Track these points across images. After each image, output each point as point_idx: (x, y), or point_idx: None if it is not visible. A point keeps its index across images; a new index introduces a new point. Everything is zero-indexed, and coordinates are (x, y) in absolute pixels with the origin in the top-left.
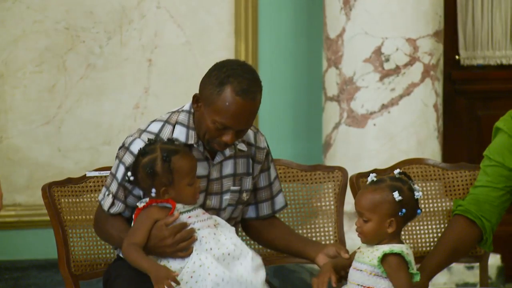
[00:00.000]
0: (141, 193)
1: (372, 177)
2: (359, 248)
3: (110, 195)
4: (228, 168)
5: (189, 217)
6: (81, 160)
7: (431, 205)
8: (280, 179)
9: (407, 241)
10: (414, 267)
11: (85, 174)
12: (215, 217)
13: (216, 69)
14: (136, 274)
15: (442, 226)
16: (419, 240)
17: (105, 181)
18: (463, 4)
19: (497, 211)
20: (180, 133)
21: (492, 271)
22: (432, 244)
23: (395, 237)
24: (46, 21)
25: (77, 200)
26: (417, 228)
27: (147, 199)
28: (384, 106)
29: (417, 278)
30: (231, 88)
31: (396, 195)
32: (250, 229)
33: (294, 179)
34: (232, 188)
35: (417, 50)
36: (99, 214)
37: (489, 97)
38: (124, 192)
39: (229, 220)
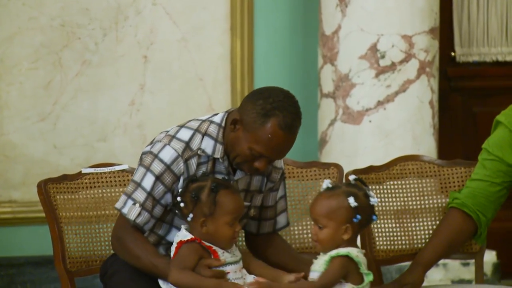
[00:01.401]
0: (168, 201)
1: (326, 183)
2: (315, 259)
3: (137, 205)
4: (243, 183)
5: (228, 272)
6: (76, 157)
7: (426, 201)
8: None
9: (403, 238)
10: (364, 268)
11: (81, 171)
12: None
13: (262, 98)
14: (133, 270)
15: (438, 222)
16: (414, 237)
17: (126, 188)
18: (458, 1)
19: (493, 206)
20: (207, 146)
21: (487, 268)
22: (427, 240)
23: (351, 243)
24: (42, 17)
25: (73, 196)
26: (413, 224)
27: (191, 235)
28: (379, 103)
29: (370, 277)
30: (277, 122)
31: (351, 201)
32: (249, 242)
33: (289, 176)
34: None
35: (413, 46)
36: (122, 230)
37: (485, 94)
38: (152, 202)
39: None
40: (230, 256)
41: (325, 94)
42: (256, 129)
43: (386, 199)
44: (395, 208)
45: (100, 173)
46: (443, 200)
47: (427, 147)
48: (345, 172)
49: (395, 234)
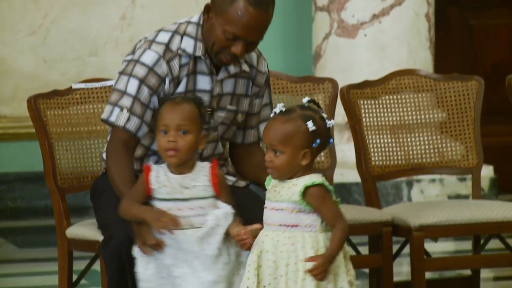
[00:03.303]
0: (156, 104)
1: (280, 107)
2: (270, 187)
3: (125, 110)
4: (228, 87)
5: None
6: (67, 72)
7: (422, 116)
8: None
9: (398, 153)
10: (334, 196)
11: (71, 86)
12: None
13: None
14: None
15: (434, 137)
16: (410, 152)
17: (109, 98)
18: None
19: None
20: (188, 45)
21: (484, 183)
22: (424, 155)
23: (308, 169)
24: None
25: (63, 112)
26: (409, 139)
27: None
28: (375, 16)
29: (339, 205)
30: None
31: (310, 125)
32: (234, 156)
33: (284, 90)
34: (229, 107)
35: None
36: (109, 146)
37: (481, 6)
38: (141, 107)
39: (222, 140)
40: (166, 193)
41: (320, 8)
42: (226, 10)
43: (382, 114)
44: (391, 123)
45: (91, 88)
46: (440, 115)
47: (423, 61)
48: (340, 87)
49: (390, 149)
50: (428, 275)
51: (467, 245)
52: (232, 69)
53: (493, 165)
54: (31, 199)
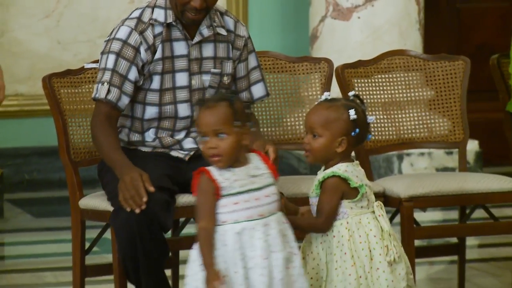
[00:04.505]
0: (135, 76)
1: (326, 95)
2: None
3: (105, 83)
4: (208, 51)
5: (237, 203)
6: (79, 52)
7: (412, 94)
8: (266, 70)
9: (390, 129)
10: (354, 182)
11: (83, 66)
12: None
13: None
14: None
15: (423, 113)
16: (400, 128)
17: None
18: None
19: None
20: (158, 15)
21: (470, 156)
22: (414, 130)
23: (344, 158)
24: None
25: (76, 90)
26: (399, 116)
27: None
28: (368, 0)
29: (363, 189)
30: None
31: (352, 113)
32: None
33: (282, 70)
34: (213, 70)
35: None
36: (93, 119)
37: None
38: (119, 79)
39: None
40: (239, 187)
41: None
42: None
43: (374, 92)
44: (383, 100)
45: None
46: (428, 93)
47: (413, 42)
48: (335, 66)
49: (382, 125)
50: (417, 242)
51: (454, 214)
52: (206, 32)
53: (479, 139)
54: (46, 172)
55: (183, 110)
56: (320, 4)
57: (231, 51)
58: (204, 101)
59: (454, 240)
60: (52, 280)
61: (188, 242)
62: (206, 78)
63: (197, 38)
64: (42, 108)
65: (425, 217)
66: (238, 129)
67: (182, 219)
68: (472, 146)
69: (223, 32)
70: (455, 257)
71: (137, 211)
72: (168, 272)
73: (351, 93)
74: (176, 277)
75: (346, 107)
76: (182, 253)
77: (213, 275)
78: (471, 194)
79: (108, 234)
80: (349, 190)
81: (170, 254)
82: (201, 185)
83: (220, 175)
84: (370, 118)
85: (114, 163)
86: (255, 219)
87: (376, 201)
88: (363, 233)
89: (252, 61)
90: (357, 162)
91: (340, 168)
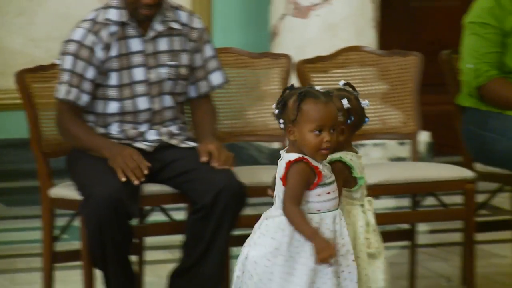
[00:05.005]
0: (93, 75)
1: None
2: None
3: (65, 84)
4: (164, 45)
5: (329, 192)
6: (51, 49)
7: (367, 88)
8: (228, 65)
9: None
10: (358, 172)
11: (54, 62)
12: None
13: None
14: (95, 159)
15: (377, 106)
16: None
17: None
18: None
19: None
20: (112, 14)
21: (422, 147)
22: (369, 122)
23: (348, 147)
24: None
25: (47, 85)
26: None
27: (298, 155)
28: None
29: (362, 181)
30: None
31: (345, 102)
32: (193, 113)
33: (244, 65)
34: (169, 62)
35: None
36: (61, 115)
37: None
38: (78, 78)
39: (173, 96)
40: (328, 177)
41: None
42: None
43: (331, 86)
44: None
45: None
46: (383, 87)
47: (369, 39)
48: (294, 62)
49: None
50: None
51: (405, 202)
52: (159, 27)
53: (430, 131)
54: (19, 163)
55: (143, 103)
56: (280, 2)
57: (187, 43)
58: (315, 95)
59: (406, 226)
60: (23, 266)
61: (153, 230)
62: (164, 71)
63: (151, 34)
64: (16, 102)
65: (379, 204)
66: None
67: (147, 208)
68: (424, 137)
69: (177, 26)
70: (406, 243)
71: (136, 182)
72: (134, 258)
73: (341, 83)
74: (141, 262)
75: (339, 97)
76: (147, 240)
77: (325, 243)
78: (422, 182)
79: (76, 222)
80: (349, 179)
81: (135, 240)
82: (300, 171)
83: (317, 165)
84: (364, 103)
85: (99, 146)
86: (335, 210)
87: (367, 196)
88: (351, 222)
89: (208, 51)
90: (360, 155)
91: (347, 156)
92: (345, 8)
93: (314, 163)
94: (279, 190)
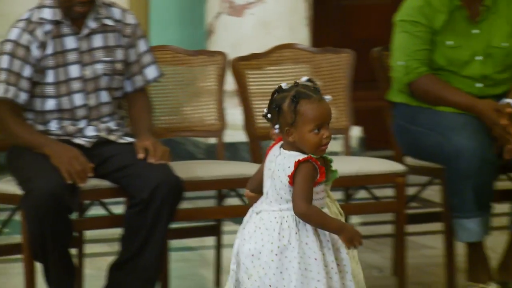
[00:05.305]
0: (29, 73)
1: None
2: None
3: (3, 83)
4: (98, 42)
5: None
6: None
7: None
8: (165, 63)
9: None
10: (332, 166)
11: None
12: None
13: None
14: (35, 155)
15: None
16: None
17: None
18: None
19: None
20: (47, 14)
21: (354, 142)
22: None
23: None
24: None
25: None
26: None
27: (304, 154)
28: None
29: (335, 175)
30: None
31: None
32: (128, 105)
33: (181, 62)
34: (104, 58)
35: None
36: (0, 114)
37: None
38: (15, 77)
39: (110, 91)
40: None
41: None
42: None
43: (266, 82)
44: (273, 90)
45: None
46: (317, 83)
47: (302, 36)
48: (230, 59)
49: None
50: None
51: (339, 195)
52: (93, 24)
53: (362, 126)
54: None
55: (79, 99)
56: (215, 1)
57: (121, 39)
58: (309, 95)
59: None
60: None
61: (92, 223)
62: (99, 67)
63: (85, 31)
64: None
65: None
66: None
67: (87, 202)
68: (356, 132)
69: (110, 22)
70: None
71: (81, 184)
72: (73, 251)
73: (304, 78)
74: (81, 255)
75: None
76: (87, 233)
77: (354, 230)
78: (354, 176)
79: (17, 216)
80: (328, 174)
81: (75, 234)
82: (310, 171)
83: (322, 164)
84: (328, 98)
85: (40, 144)
86: (324, 207)
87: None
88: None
89: (142, 46)
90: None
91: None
92: (279, 6)
93: (318, 162)
94: (280, 187)
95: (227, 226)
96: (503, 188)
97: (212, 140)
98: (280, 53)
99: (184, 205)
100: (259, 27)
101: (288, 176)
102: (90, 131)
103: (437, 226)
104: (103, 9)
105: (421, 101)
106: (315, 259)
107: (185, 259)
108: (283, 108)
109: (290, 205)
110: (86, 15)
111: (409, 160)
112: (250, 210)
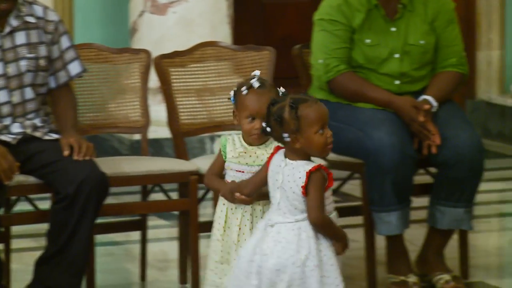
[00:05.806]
0: None
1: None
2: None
3: None
4: (21, 39)
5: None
6: None
7: (223, 81)
8: (90, 61)
9: (203, 113)
10: None
11: None
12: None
13: None
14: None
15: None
16: (213, 112)
17: None
18: None
19: None
20: None
21: None
22: (224, 114)
23: None
24: None
25: None
26: (212, 101)
27: (313, 163)
28: None
29: None
30: None
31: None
32: (52, 101)
33: (105, 60)
34: (28, 55)
35: None
36: None
37: None
38: None
39: (34, 87)
40: None
41: None
42: None
43: (189, 80)
44: (196, 87)
45: None
46: (238, 80)
47: (224, 34)
48: (153, 57)
49: (196, 109)
50: None
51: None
52: (15, 22)
53: None
54: None
55: (2, 97)
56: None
57: (43, 36)
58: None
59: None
60: None
61: (19, 219)
62: (23, 64)
63: (7, 29)
64: None
65: None
66: None
67: (13, 197)
68: None
69: (32, 20)
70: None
71: (7, 182)
72: (0, 246)
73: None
74: (8, 250)
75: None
76: (13, 228)
77: (347, 238)
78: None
79: None
80: None
81: (2, 229)
82: (321, 180)
83: (330, 171)
84: (282, 91)
85: None
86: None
87: None
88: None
89: (65, 42)
90: None
91: None
92: (201, 5)
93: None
94: (294, 198)
95: (152, 221)
96: (421, 182)
97: (137, 136)
98: (202, 50)
99: (110, 200)
100: (182, 25)
101: (301, 186)
102: (16, 128)
103: (358, 219)
104: (25, 7)
105: (341, 98)
106: (331, 265)
107: (111, 254)
108: (284, 117)
109: (305, 215)
110: (8, 13)
111: (330, 155)
112: (263, 222)
